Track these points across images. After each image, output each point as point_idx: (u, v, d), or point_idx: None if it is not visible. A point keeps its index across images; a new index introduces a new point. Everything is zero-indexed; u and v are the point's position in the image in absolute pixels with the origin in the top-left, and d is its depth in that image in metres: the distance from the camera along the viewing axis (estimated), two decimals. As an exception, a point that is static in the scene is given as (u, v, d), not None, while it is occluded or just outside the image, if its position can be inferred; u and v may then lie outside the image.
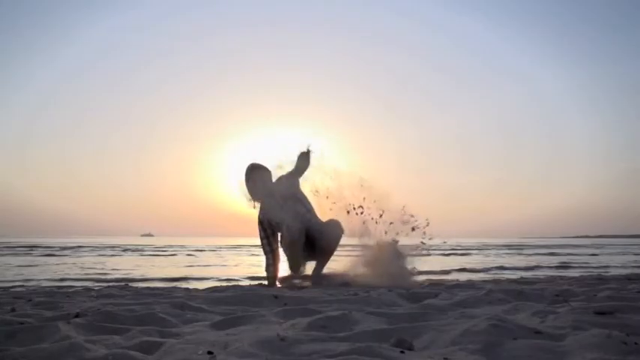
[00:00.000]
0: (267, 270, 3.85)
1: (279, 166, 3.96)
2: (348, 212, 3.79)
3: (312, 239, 3.75)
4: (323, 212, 3.87)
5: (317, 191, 3.88)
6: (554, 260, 9.79)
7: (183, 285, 4.45)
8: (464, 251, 14.20)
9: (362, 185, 3.79)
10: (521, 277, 5.05)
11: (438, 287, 3.29)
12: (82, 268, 7.55)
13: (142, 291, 3.46)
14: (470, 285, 3.51)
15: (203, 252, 15.05)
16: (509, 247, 20.17)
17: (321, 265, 3.86)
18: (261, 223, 3.87)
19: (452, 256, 11.13)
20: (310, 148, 3.96)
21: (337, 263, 3.91)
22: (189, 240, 41.90)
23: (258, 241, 3.89)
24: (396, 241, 3.74)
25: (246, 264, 8.96)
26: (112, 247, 18.05)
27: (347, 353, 1.30)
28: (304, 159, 3.96)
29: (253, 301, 2.46)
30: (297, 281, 3.82)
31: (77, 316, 1.93)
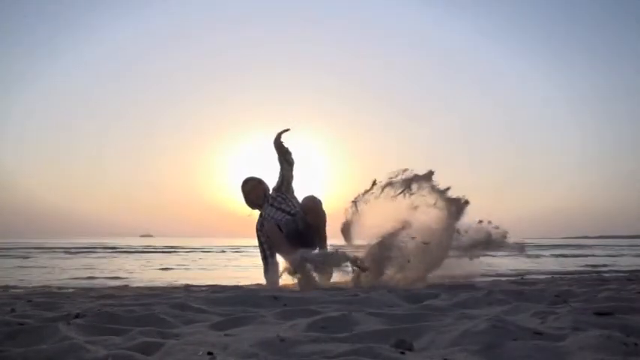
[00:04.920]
0: (265, 276, 3.81)
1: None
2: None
3: (302, 228, 3.67)
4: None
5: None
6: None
7: (183, 285, 4.45)
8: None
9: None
10: (521, 278, 5.05)
11: (437, 288, 3.29)
12: (81, 268, 7.55)
13: (141, 291, 3.46)
14: (470, 285, 3.51)
15: (203, 252, 15.07)
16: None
17: (322, 247, 3.70)
18: (259, 230, 3.84)
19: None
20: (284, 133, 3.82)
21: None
22: (188, 241, 41.89)
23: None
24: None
25: (246, 265, 8.96)
26: (112, 247, 18.04)
27: (347, 354, 1.30)
28: (286, 165, 3.85)
29: (253, 301, 2.45)
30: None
31: (77, 316, 1.93)
